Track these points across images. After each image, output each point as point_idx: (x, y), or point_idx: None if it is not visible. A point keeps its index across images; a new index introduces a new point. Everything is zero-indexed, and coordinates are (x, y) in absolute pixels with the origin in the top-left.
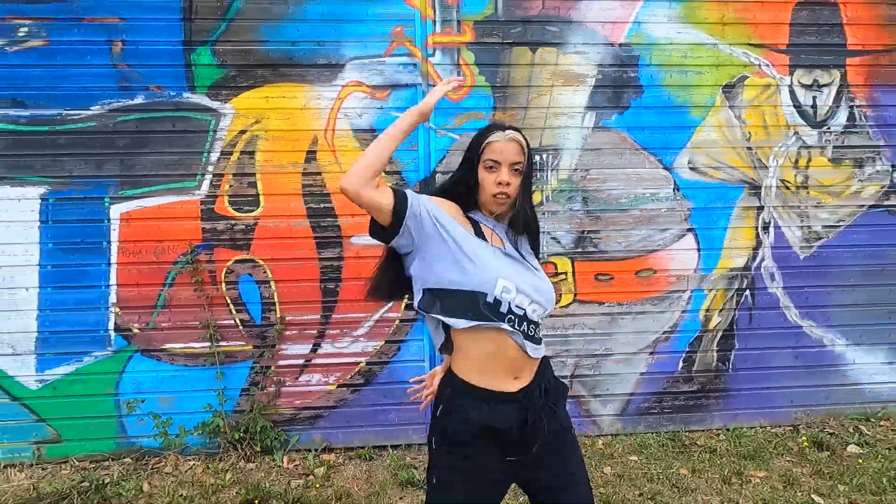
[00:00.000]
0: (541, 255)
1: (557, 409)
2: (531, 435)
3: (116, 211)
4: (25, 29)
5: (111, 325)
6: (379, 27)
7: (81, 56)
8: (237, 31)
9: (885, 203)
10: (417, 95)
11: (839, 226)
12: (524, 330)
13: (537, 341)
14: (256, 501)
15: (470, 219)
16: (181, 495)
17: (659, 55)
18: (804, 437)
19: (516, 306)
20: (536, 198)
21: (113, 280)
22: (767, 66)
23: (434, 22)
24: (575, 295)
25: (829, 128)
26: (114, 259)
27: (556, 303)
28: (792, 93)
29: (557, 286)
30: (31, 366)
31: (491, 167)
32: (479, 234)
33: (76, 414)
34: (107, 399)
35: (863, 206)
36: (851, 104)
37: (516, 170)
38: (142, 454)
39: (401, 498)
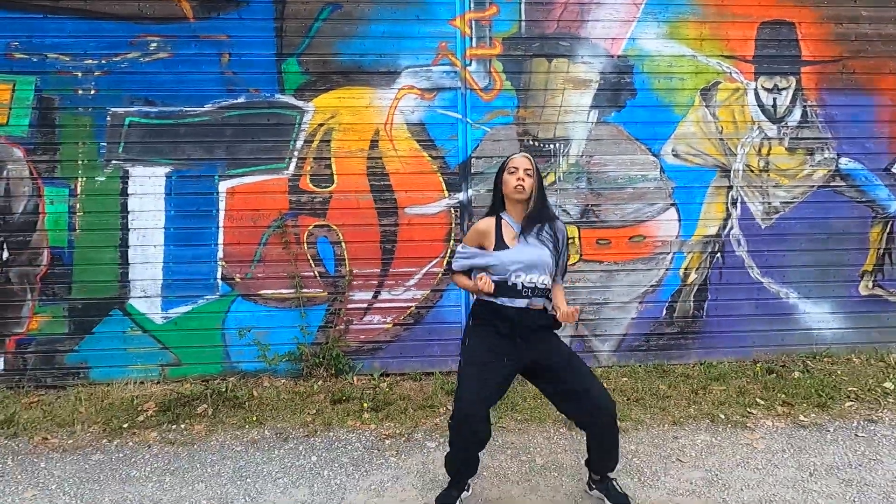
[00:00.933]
0: (560, 242)
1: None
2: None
3: (223, 186)
4: (155, 44)
5: (219, 275)
6: (427, 42)
7: (197, 65)
8: (317, 46)
9: (831, 184)
10: (457, 96)
11: (793, 202)
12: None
13: (541, 295)
14: (341, 400)
15: (498, 218)
16: (283, 398)
17: (649, 64)
18: (757, 367)
19: (529, 282)
20: (550, 179)
21: (220, 240)
22: (737, 73)
23: (471, 38)
24: (581, 255)
25: (786, 123)
26: (221, 224)
27: (566, 264)
28: (756, 95)
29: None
30: (157, 306)
31: (512, 171)
32: (500, 234)
33: (192, 344)
34: (215, 332)
35: (813, 186)
36: (805, 104)
37: (528, 174)
38: (242, 375)
39: (448, 402)
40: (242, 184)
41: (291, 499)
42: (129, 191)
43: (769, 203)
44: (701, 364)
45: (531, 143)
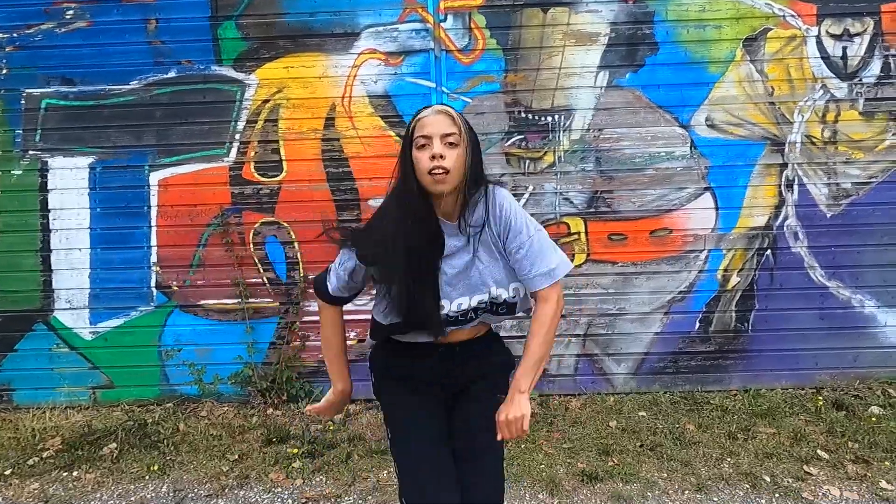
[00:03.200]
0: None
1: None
2: (451, 385)
3: (155, 178)
4: (72, 12)
5: (153, 283)
6: None
7: (121, 35)
8: (259, 5)
9: None
10: (429, 60)
11: (871, 182)
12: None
13: (488, 312)
14: (276, 441)
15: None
16: (212, 434)
17: (675, 10)
18: (820, 398)
19: (453, 312)
20: (548, 159)
21: (153, 241)
22: (793, 16)
23: None
24: (588, 255)
25: (860, 79)
26: (154, 222)
27: (566, 266)
28: (819, 44)
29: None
30: (85, 319)
31: (423, 145)
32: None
33: (125, 363)
34: (151, 350)
35: None
36: (887, 53)
37: (451, 143)
38: (182, 400)
39: None
40: (176, 174)
41: None
42: (49, 185)
43: (837, 185)
44: (745, 392)
45: (523, 114)
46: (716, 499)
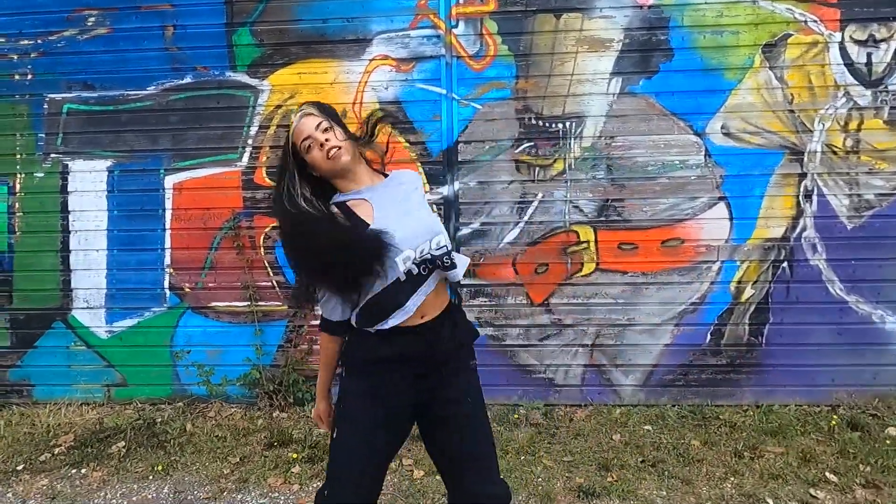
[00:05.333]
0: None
1: (464, 346)
2: (437, 361)
3: (170, 181)
4: (93, 19)
5: (166, 284)
6: (404, 1)
7: (139, 41)
8: (273, 12)
9: None
10: (441, 66)
11: (894, 194)
12: (430, 271)
13: (448, 267)
14: (278, 444)
15: (342, 208)
16: (216, 435)
17: (691, 15)
18: (835, 417)
19: (420, 261)
20: (559, 166)
21: (168, 244)
22: (815, 21)
23: None
24: (597, 264)
25: (885, 87)
26: (168, 225)
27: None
28: (843, 50)
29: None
30: (101, 318)
31: (309, 147)
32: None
33: (139, 362)
34: (164, 349)
35: None
36: None
37: (325, 128)
38: (192, 400)
39: (412, 445)
40: (190, 178)
41: None
42: (70, 188)
43: (859, 196)
44: (757, 408)
45: (534, 121)
46: None
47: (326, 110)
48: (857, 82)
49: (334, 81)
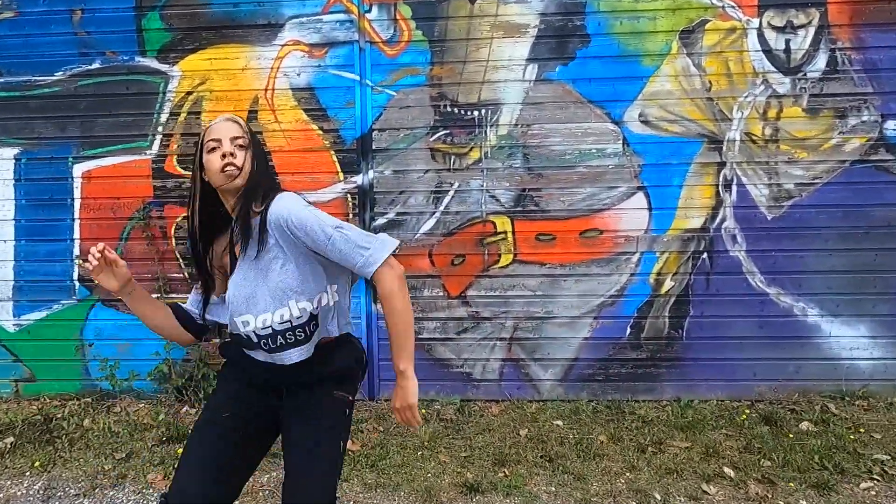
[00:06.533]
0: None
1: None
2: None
3: (79, 170)
4: None
5: (75, 276)
6: None
7: (47, 25)
8: None
9: (872, 158)
10: (354, 52)
11: (815, 183)
12: (277, 345)
13: (296, 344)
14: (171, 440)
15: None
16: (111, 431)
17: (608, 0)
18: (746, 412)
19: (262, 333)
20: (475, 155)
21: (77, 234)
22: (732, 7)
23: None
24: (515, 255)
25: (804, 74)
26: (77, 214)
27: (382, 247)
28: (761, 36)
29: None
30: (9, 311)
31: (213, 148)
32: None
33: (47, 356)
34: (73, 343)
35: (844, 161)
36: (833, 47)
37: (240, 145)
38: (102, 395)
39: None
40: (99, 167)
41: None
42: None
43: (779, 185)
44: (676, 403)
45: (449, 108)
46: None
47: (255, 138)
48: (775, 69)
49: (246, 67)
